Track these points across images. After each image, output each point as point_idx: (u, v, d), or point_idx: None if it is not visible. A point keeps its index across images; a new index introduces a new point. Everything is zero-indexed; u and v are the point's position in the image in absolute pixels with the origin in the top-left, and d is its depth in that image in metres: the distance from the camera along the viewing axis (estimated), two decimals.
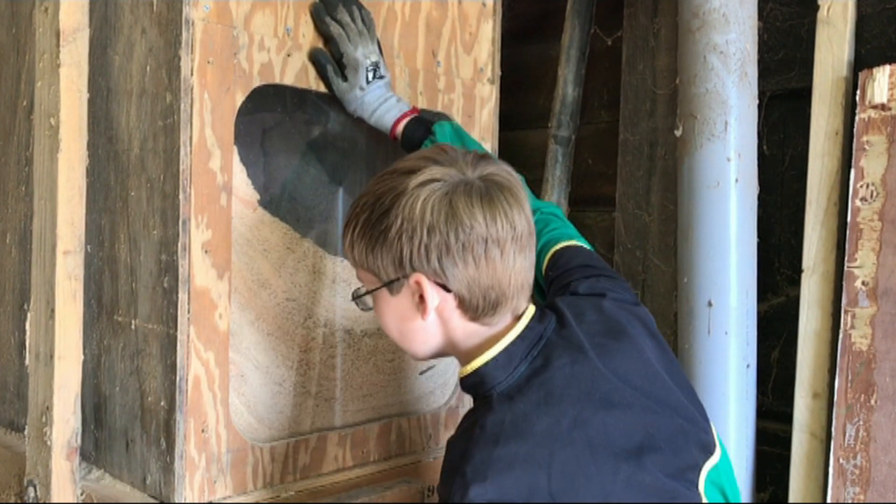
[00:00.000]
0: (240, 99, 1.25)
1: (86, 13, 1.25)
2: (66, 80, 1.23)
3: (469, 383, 1.07)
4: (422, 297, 1.02)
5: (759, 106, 1.62)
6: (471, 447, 0.96)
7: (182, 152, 1.18)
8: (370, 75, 1.35)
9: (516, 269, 1.02)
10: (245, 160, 1.32)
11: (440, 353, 1.11)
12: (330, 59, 1.35)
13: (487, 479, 0.92)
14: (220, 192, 1.23)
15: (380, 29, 1.42)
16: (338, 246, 1.47)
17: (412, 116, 1.38)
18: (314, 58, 1.35)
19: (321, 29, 1.34)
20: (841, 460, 1.49)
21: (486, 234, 0.98)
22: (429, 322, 1.05)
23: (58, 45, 1.22)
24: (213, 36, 1.20)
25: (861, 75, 1.50)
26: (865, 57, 1.56)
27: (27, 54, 1.42)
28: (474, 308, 1.02)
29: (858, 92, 1.50)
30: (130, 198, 1.27)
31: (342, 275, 1.46)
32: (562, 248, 1.25)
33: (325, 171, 1.46)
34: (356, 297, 1.11)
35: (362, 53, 1.33)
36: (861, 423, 1.47)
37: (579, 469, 0.94)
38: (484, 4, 1.61)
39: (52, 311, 1.24)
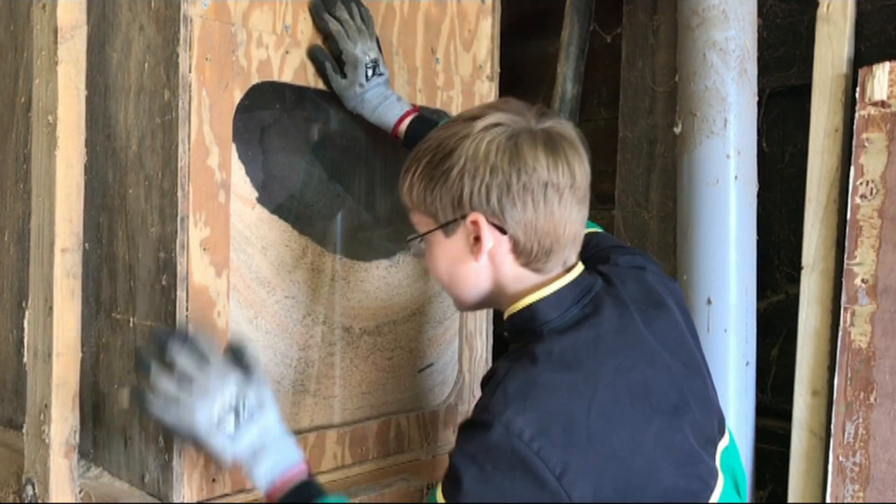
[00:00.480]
0: (238, 96, 1.24)
1: (83, 10, 1.25)
2: (64, 77, 1.23)
3: (519, 319, 1.06)
4: (477, 239, 1.03)
5: (759, 103, 1.62)
6: (516, 367, 0.98)
7: (180, 149, 1.18)
8: (369, 72, 1.34)
9: (572, 218, 1.03)
10: (243, 158, 1.31)
11: (485, 302, 1.11)
12: (328, 56, 1.35)
13: (529, 399, 0.94)
14: (219, 189, 1.22)
15: (378, 26, 1.42)
16: (337, 243, 1.46)
17: (415, 115, 1.38)
18: (313, 55, 1.34)
19: (320, 26, 1.34)
20: (840, 458, 1.48)
21: (547, 179, 0.99)
22: (481, 264, 1.05)
23: (55, 43, 1.22)
24: (212, 33, 1.20)
25: (861, 72, 1.49)
26: (865, 54, 1.56)
27: (25, 51, 1.42)
28: (527, 253, 1.03)
29: (858, 89, 1.49)
30: (129, 195, 1.26)
31: (341, 272, 1.46)
32: (591, 233, 1.28)
33: (324, 168, 1.46)
34: (408, 241, 1.12)
35: (361, 50, 1.33)
36: (860, 420, 1.47)
37: (616, 411, 0.96)
38: (483, 1, 1.60)
39: (51, 308, 1.24)
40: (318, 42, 1.35)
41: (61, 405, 1.24)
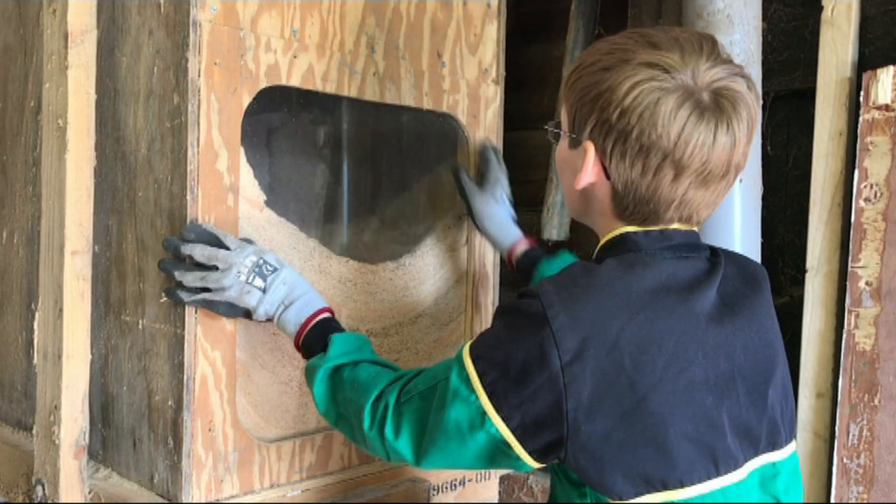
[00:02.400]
0: (247, 100, 1.25)
1: (93, 15, 1.26)
2: (74, 81, 1.24)
3: (607, 247, 1.02)
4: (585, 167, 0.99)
5: (763, 107, 1.63)
6: (585, 261, 0.99)
7: (189, 153, 1.19)
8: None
9: (686, 198, 0.96)
10: (252, 161, 1.32)
11: (586, 222, 1.09)
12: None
13: (576, 284, 0.93)
14: (227, 192, 1.23)
15: (385, 30, 1.43)
16: (344, 246, 1.47)
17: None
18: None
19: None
20: (844, 460, 1.49)
21: (670, 152, 0.92)
22: (581, 191, 1.03)
23: (66, 47, 1.23)
24: (220, 37, 1.21)
25: (865, 76, 1.50)
26: (869, 58, 1.57)
27: (35, 56, 1.43)
28: (623, 207, 0.99)
29: (862, 93, 1.50)
30: (138, 198, 1.27)
31: (348, 275, 1.46)
32: None
33: (331, 171, 1.47)
34: (547, 125, 1.08)
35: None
36: (865, 422, 1.47)
37: (653, 342, 0.90)
38: (489, 5, 1.61)
39: (61, 310, 1.25)
40: (326, 47, 1.36)
41: (71, 406, 1.25)
